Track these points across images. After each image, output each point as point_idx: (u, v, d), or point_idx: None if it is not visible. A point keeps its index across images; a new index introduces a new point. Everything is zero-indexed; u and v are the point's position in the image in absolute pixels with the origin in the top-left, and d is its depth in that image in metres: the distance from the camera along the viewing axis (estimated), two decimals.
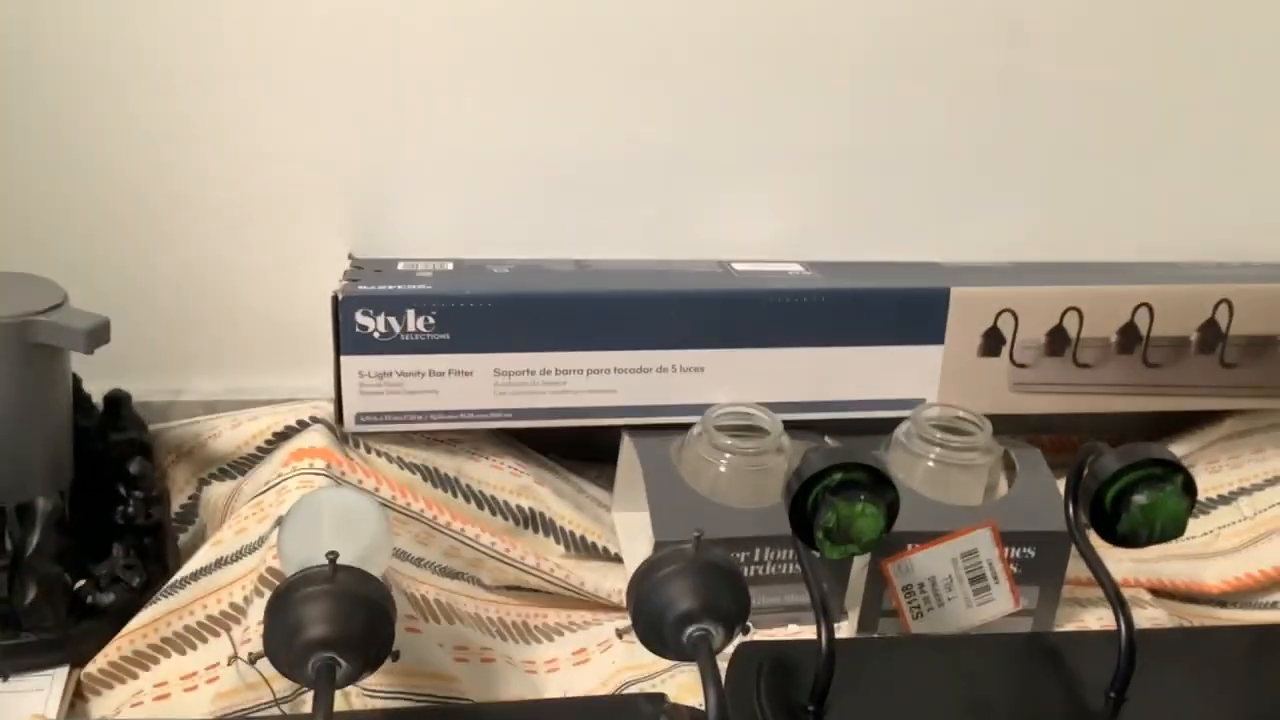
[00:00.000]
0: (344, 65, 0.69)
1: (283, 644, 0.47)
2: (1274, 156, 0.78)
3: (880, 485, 0.54)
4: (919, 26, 0.72)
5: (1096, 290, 0.70)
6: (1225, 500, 0.75)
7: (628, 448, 0.70)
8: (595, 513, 0.72)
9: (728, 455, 0.66)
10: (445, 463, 0.68)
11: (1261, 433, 0.77)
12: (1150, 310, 0.70)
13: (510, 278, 0.70)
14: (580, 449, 0.76)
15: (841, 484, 0.54)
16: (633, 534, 0.70)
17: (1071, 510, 0.59)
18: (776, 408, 0.68)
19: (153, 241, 0.71)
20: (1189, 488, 0.55)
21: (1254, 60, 0.75)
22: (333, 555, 0.47)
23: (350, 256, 0.72)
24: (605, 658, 0.63)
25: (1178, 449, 0.76)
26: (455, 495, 0.67)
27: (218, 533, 0.62)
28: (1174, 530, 0.55)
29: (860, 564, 0.65)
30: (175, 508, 0.69)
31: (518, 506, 0.69)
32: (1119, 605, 0.56)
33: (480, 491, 0.68)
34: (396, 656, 0.48)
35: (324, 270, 0.69)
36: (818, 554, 0.54)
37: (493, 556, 0.65)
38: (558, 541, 0.69)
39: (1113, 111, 0.75)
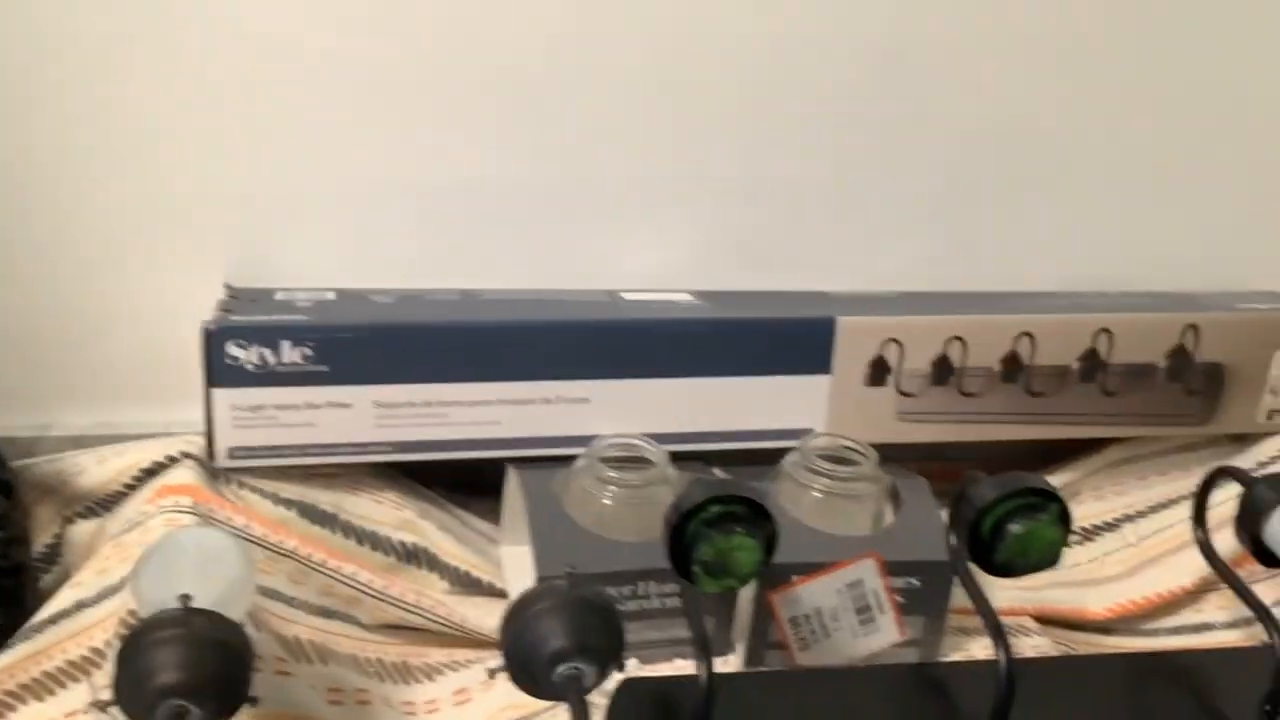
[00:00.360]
0: (221, 90, 0.68)
1: (133, 691, 0.44)
2: (1152, 188, 0.79)
3: (758, 517, 0.54)
4: (805, 56, 0.72)
5: (979, 320, 0.70)
6: (1110, 527, 0.76)
7: (513, 480, 0.69)
8: (481, 547, 0.71)
9: (613, 488, 0.65)
10: (323, 498, 0.66)
11: (1145, 460, 0.78)
12: (1032, 339, 0.70)
13: (392, 308, 0.68)
14: (468, 482, 0.75)
15: (719, 517, 0.53)
16: (518, 569, 0.69)
17: (952, 539, 0.59)
18: (664, 439, 0.68)
19: (18, 270, 0.69)
20: (1064, 517, 0.55)
21: (1134, 92, 0.76)
22: (185, 598, 0.45)
23: (227, 286, 0.70)
24: (488, 697, 0.62)
25: (1064, 476, 0.77)
26: (333, 531, 0.66)
27: (78, 574, 0.59)
28: (1050, 559, 0.55)
29: (747, 596, 0.64)
30: (39, 548, 0.66)
31: (399, 542, 0.67)
32: (998, 635, 0.56)
33: (360, 527, 0.67)
34: (255, 701, 0.46)
35: (200, 300, 0.67)
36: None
37: (370, 595, 0.63)
38: (442, 577, 0.68)
39: (995, 144, 0.76)
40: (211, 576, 0.49)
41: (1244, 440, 0.77)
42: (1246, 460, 0.75)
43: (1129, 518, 0.76)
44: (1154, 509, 0.76)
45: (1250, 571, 0.67)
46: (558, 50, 0.70)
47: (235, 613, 0.48)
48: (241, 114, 0.68)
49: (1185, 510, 0.67)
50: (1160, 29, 0.75)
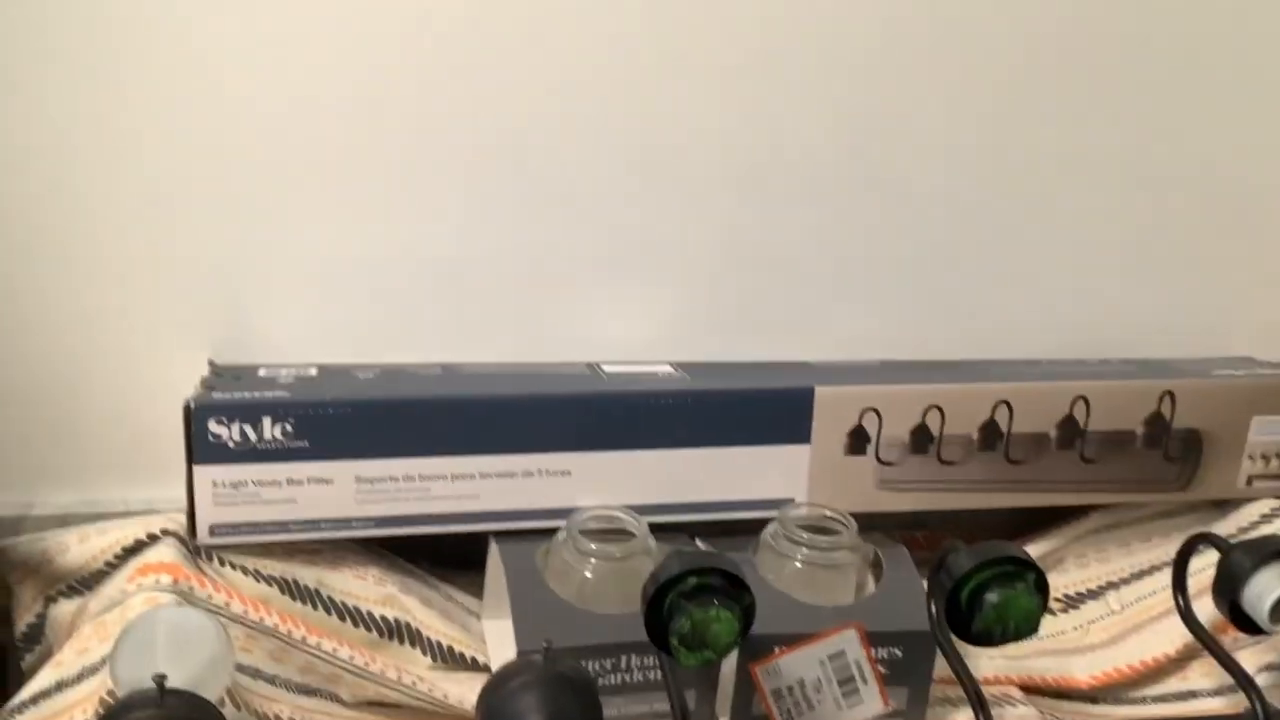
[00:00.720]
0: (203, 168, 0.69)
1: None
2: (1127, 255, 0.80)
3: (736, 589, 0.54)
4: (782, 127, 0.74)
5: (957, 388, 0.71)
6: (1094, 595, 0.76)
7: (494, 554, 0.69)
8: (465, 621, 0.71)
9: (593, 560, 0.65)
10: (305, 574, 0.66)
11: (1127, 527, 0.78)
12: (1010, 407, 0.71)
13: (373, 383, 0.69)
14: (451, 555, 0.75)
15: (696, 589, 0.53)
16: (501, 643, 0.68)
17: (933, 609, 0.59)
18: (645, 510, 0.68)
19: (1, 347, 0.69)
20: (1041, 585, 0.55)
21: (1109, 160, 0.78)
22: (160, 678, 0.46)
23: (210, 363, 0.71)
24: None
25: (1046, 544, 0.77)
26: (315, 608, 0.65)
27: (59, 653, 0.59)
28: (1027, 629, 0.55)
29: (730, 668, 0.64)
30: (21, 627, 0.66)
31: (381, 617, 0.67)
32: (979, 706, 0.56)
33: (342, 603, 0.66)
34: None
35: (183, 377, 0.68)
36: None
37: (351, 671, 0.63)
38: (424, 652, 0.68)
39: (971, 213, 0.77)
40: (187, 656, 0.49)
41: (1225, 505, 0.77)
42: (1228, 526, 0.76)
43: (1112, 585, 0.76)
44: (1137, 575, 0.76)
45: (1235, 638, 0.67)
46: (537, 126, 0.71)
47: (212, 692, 0.48)
48: (223, 192, 0.69)
49: (1168, 577, 0.67)
50: (1135, 98, 0.77)
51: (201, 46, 0.67)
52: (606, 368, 0.74)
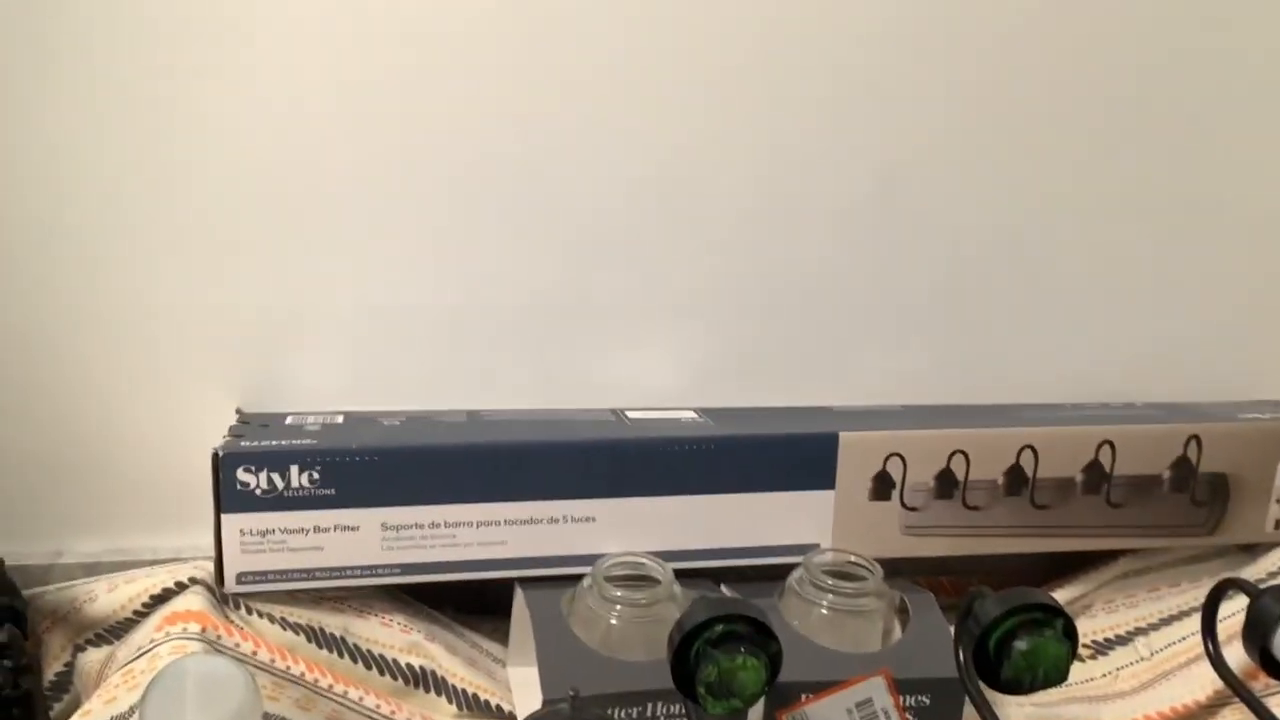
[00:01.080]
0: (230, 217, 0.70)
1: None
2: (1153, 297, 0.80)
3: (762, 636, 0.54)
4: (803, 174, 0.74)
5: (982, 433, 0.71)
6: (1123, 640, 0.75)
7: (520, 601, 0.69)
8: (490, 668, 0.71)
9: (619, 606, 0.65)
10: (331, 621, 0.66)
11: (1155, 572, 0.78)
12: (1035, 452, 0.71)
13: (399, 430, 0.69)
14: (476, 602, 0.75)
15: (722, 636, 0.53)
16: (526, 690, 0.68)
17: (961, 656, 0.59)
18: (670, 556, 0.68)
19: (29, 398, 0.70)
20: (1070, 632, 0.55)
21: (1133, 201, 0.78)
22: None
23: (238, 411, 0.71)
24: None
25: (1073, 590, 0.77)
26: (341, 655, 0.66)
27: (87, 703, 0.59)
28: (1056, 676, 0.55)
29: (756, 716, 0.64)
30: (50, 676, 0.67)
31: (407, 665, 0.67)
32: None
33: (368, 651, 0.66)
34: None
35: (211, 424, 0.68)
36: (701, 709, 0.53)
37: (377, 719, 0.63)
38: (450, 700, 0.68)
39: (994, 256, 0.78)
40: (216, 705, 0.49)
41: (1254, 550, 0.77)
42: (1256, 570, 0.75)
43: (1141, 630, 0.75)
44: (1165, 621, 0.75)
45: (1266, 684, 0.66)
46: (560, 175, 0.72)
47: None
48: (250, 241, 0.70)
49: (1197, 622, 0.67)
50: (1158, 137, 0.77)
51: (233, 105, 0.68)
52: (630, 414, 0.74)
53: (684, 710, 0.62)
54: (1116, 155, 0.77)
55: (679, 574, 0.67)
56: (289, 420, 0.70)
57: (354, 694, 0.63)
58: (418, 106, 0.70)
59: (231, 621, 0.63)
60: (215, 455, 0.63)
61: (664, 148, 0.72)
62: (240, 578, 0.64)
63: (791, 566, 0.69)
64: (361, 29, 0.68)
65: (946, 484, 0.71)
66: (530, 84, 0.70)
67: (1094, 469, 0.72)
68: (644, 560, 0.67)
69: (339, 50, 0.68)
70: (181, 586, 0.65)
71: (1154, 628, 0.75)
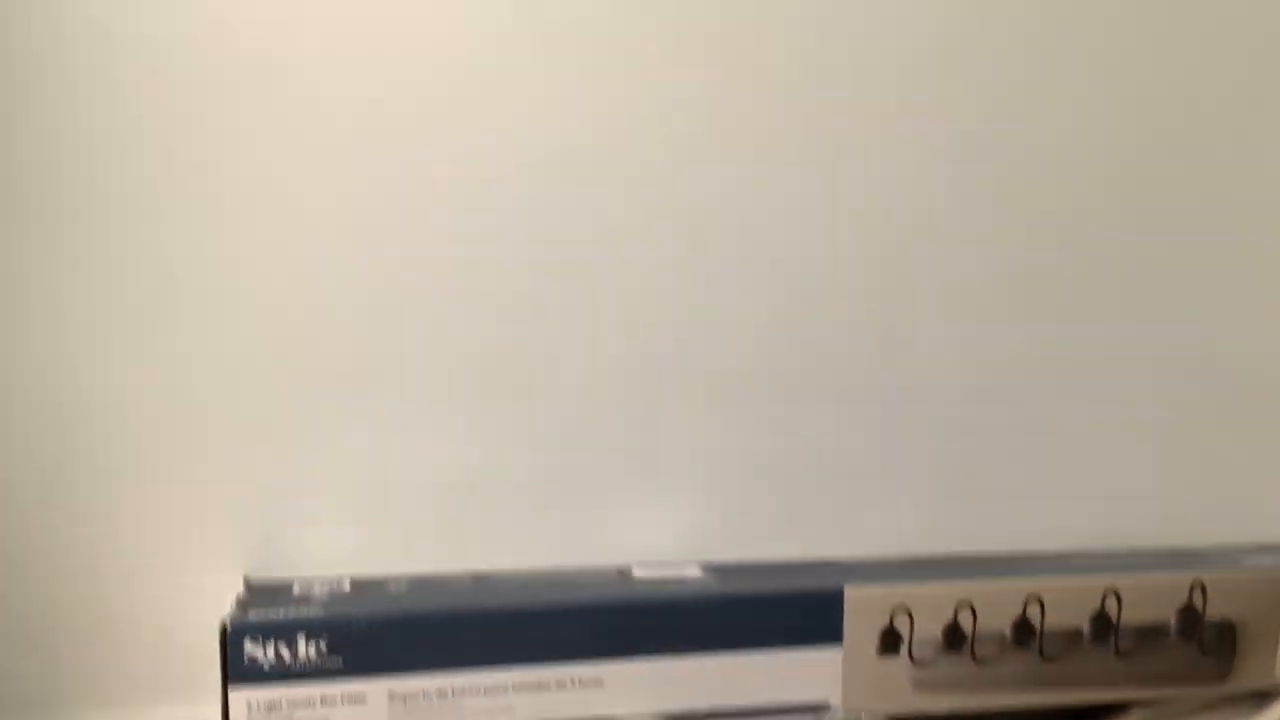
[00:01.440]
0: (230, 385, 0.71)
1: None
2: (1152, 442, 0.81)
3: None
4: (795, 333, 0.76)
5: (988, 585, 0.71)
6: None
7: None
8: None
9: None
10: None
11: None
12: (1041, 603, 0.71)
13: (406, 597, 0.69)
14: None
15: None
16: None
17: None
18: (679, 717, 0.67)
19: (33, 570, 0.70)
20: None
21: (1123, 345, 0.79)
22: None
23: (245, 579, 0.72)
24: None
25: None
26: None
27: None
28: None
29: None
30: None
31: None
32: None
33: None
34: None
35: (216, 594, 0.69)
36: None
37: None
38: None
39: (993, 406, 0.79)
40: None
41: (1267, 696, 0.76)
42: (1271, 717, 0.74)
43: None
44: None
45: None
46: (561, 337, 0.74)
47: None
48: (253, 410, 0.71)
49: None
50: (1154, 281, 0.79)
51: (234, 277, 0.70)
52: (636, 571, 0.74)
53: None
54: (1113, 305, 0.78)
55: None
56: (296, 590, 0.70)
57: None
58: (419, 280, 0.71)
59: None
60: (223, 628, 0.63)
61: (666, 315, 0.74)
62: None
63: None
64: (362, 217, 0.70)
65: (955, 638, 0.70)
66: (530, 259, 0.72)
67: (1101, 619, 0.72)
68: None
69: (338, 227, 0.70)
70: None
71: None
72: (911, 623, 0.70)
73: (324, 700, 0.64)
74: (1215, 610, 0.73)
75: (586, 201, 0.72)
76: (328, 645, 0.64)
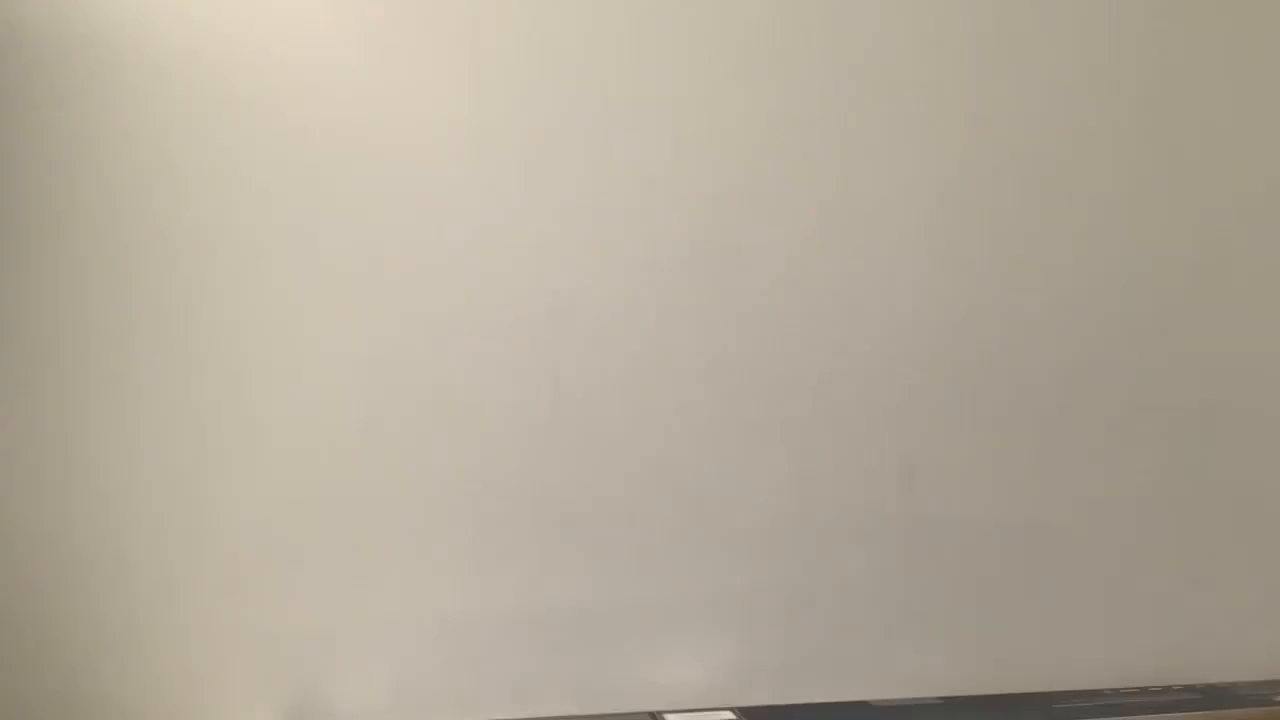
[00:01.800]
0: (268, 539, 0.71)
1: None
2: (1183, 579, 0.81)
3: None
4: (826, 474, 0.76)
5: None
6: None
7: None
8: None
9: None
10: None
11: None
12: None
13: None
14: None
15: None
16: None
17: None
18: None
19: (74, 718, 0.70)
20: None
21: (1150, 484, 0.80)
22: None
23: None
24: None
25: None
26: None
27: None
28: None
29: None
30: None
31: None
32: None
33: None
34: None
35: None
36: None
37: None
38: None
39: (1024, 546, 0.79)
40: None
41: None
42: None
43: None
44: None
45: None
46: (589, 481, 0.74)
47: None
48: (289, 563, 0.72)
49: None
50: (1180, 432, 0.80)
51: (266, 432, 0.71)
52: (668, 716, 0.74)
53: None
54: (1139, 448, 0.79)
55: None
56: None
57: None
58: (450, 436, 0.73)
59: None
60: None
61: (695, 459, 0.75)
62: None
63: None
64: (390, 373, 0.72)
65: None
66: (554, 404, 0.73)
67: None
68: None
69: (369, 394, 0.72)
70: None
71: None
72: None
73: None
74: None
75: (618, 346, 0.74)
76: None
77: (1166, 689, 0.79)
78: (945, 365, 0.77)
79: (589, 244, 0.74)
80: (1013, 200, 0.79)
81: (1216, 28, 0.82)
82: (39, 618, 0.69)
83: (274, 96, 0.69)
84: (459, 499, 0.73)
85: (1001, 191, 0.79)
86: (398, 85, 0.71)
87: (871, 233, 0.77)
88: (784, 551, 0.77)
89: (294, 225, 0.71)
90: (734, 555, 0.76)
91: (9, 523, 0.68)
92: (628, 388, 0.75)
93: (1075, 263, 0.79)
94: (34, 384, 0.68)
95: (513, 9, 0.71)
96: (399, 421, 0.72)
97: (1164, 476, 0.80)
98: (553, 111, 0.73)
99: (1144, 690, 0.79)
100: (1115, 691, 0.79)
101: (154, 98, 0.68)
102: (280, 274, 0.71)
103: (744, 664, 0.77)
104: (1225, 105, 0.82)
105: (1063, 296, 0.79)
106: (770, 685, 0.77)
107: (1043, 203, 0.79)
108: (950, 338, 0.77)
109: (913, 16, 0.77)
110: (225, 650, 0.72)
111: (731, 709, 0.75)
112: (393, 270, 0.72)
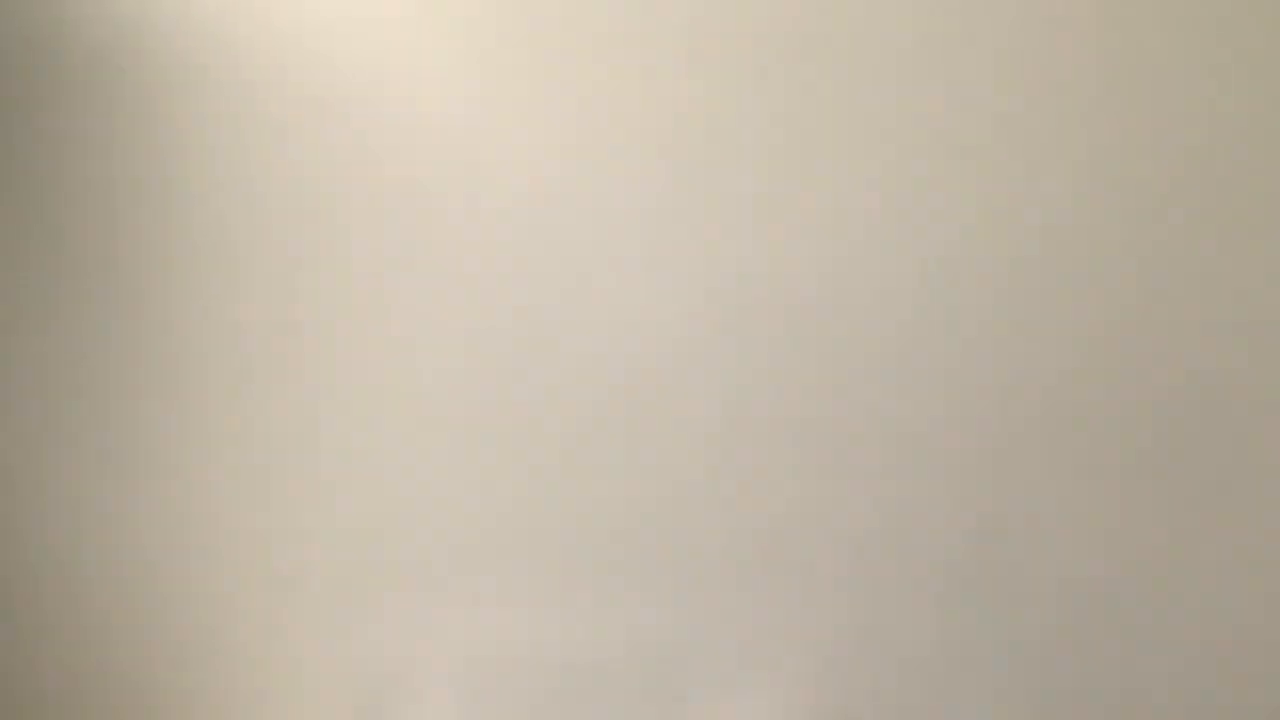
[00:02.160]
0: (335, 586, 0.71)
1: None
2: (1248, 662, 0.79)
3: None
4: (902, 531, 0.76)
5: None
6: None
7: None
8: None
9: None
10: None
11: None
12: None
13: None
14: None
15: None
16: None
17: None
18: None
19: None
20: None
21: (1229, 557, 0.78)
22: None
23: None
24: None
25: None
26: None
27: None
28: None
29: None
30: None
31: None
32: None
33: None
34: None
35: None
36: None
37: None
38: None
39: (1097, 605, 0.77)
40: None
41: None
42: None
43: None
44: None
45: None
46: (662, 533, 0.74)
47: None
48: (354, 592, 0.72)
49: None
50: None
51: (330, 482, 0.71)
52: None
53: None
54: (1210, 511, 0.78)
55: None
56: None
57: None
58: (513, 487, 0.73)
59: None
60: None
61: (766, 511, 0.75)
62: None
63: None
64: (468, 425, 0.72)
65: None
66: (622, 470, 0.74)
67: None
68: None
69: (436, 444, 0.72)
70: None
71: None
72: None
73: None
74: None
75: (697, 396, 0.74)
76: None
77: None
78: (1028, 419, 0.76)
79: (665, 311, 0.75)
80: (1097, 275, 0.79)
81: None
82: (135, 645, 0.70)
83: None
84: (532, 547, 0.73)
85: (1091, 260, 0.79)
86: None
87: (968, 296, 0.77)
88: (852, 607, 0.76)
89: (328, 297, 0.72)
90: (803, 608, 0.76)
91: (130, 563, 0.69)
92: (711, 438, 0.74)
93: (1174, 319, 0.79)
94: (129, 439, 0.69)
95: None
96: (463, 459, 0.73)
97: (1233, 554, 0.78)
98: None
99: None
100: None
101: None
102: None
103: (812, 716, 0.76)
104: (1231, 109, 0.82)
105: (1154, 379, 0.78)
106: None
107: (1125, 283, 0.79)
108: (1038, 398, 0.76)
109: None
110: (301, 677, 0.71)
111: None
112: (449, 330, 0.73)
